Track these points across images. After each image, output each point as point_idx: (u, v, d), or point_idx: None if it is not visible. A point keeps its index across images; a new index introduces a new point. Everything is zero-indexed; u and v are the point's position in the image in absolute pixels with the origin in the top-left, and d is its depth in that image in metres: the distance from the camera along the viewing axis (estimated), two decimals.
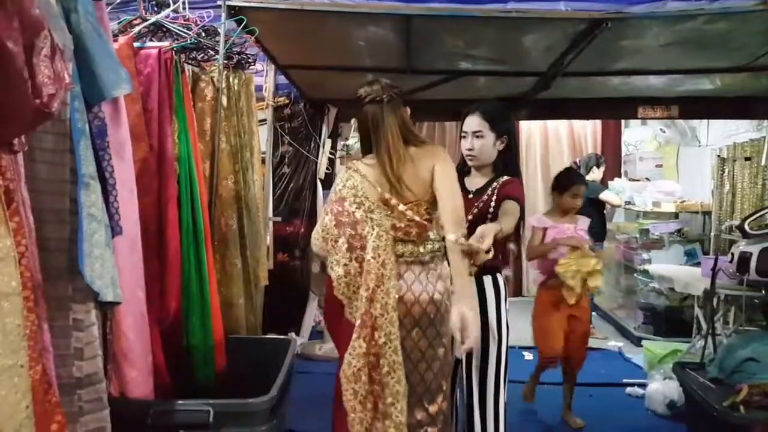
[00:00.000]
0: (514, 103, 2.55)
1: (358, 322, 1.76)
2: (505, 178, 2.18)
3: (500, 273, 2.22)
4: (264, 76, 3.90)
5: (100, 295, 1.42)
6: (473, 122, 2.17)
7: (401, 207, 1.81)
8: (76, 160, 1.40)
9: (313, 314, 4.63)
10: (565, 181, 3.19)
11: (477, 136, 2.17)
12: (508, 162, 2.22)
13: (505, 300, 2.22)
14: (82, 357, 1.45)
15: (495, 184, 2.17)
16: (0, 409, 1.07)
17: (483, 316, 2.08)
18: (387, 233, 1.79)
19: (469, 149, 2.19)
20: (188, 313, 2.19)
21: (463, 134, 2.23)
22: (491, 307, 2.17)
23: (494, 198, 2.13)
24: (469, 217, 2.10)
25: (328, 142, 4.53)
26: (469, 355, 2.17)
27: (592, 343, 4.86)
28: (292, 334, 4.23)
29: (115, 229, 1.54)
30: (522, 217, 2.15)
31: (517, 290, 6.58)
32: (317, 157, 4.47)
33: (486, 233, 1.77)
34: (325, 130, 4.48)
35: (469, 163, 2.24)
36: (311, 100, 4.33)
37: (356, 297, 1.81)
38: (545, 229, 3.14)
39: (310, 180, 4.51)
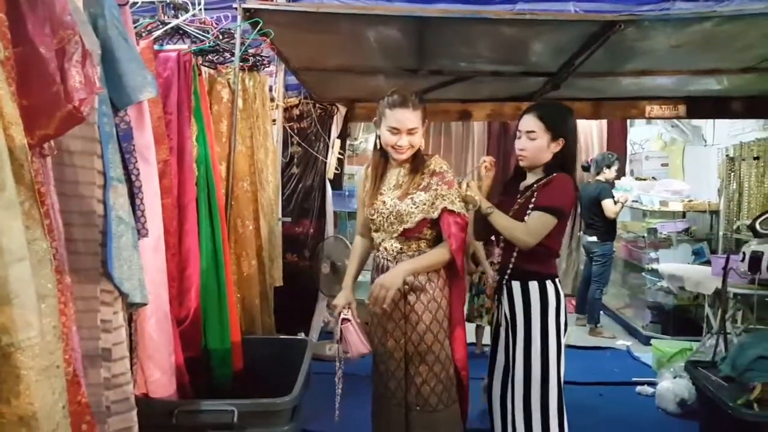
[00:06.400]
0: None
1: None
2: (554, 175, 2.08)
3: (551, 279, 2.10)
4: (273, 76, 3.92)
5: (129, 297, 1.43)
6: (528, 122, 2.10)
7: None
8: (104, 163, 1.41)
9: (322, 315, 4.64)
10: None
11: (530, 137, 2.09)
12: (562, 162, 2.10)
13: (557, 310, 2.07)
14: (110, 358, 1.47)
15: (539, 183, 2.11)
16: (38, 409, 1.08)
17: (526, 330, 2.06)
18: None
19: (521, 149, 2.13)
20: (206, 313, 2.21)
21: (518, 133, 2.16)
22: (535, 318, 2.06)
23: (533, 199, 2.08)
24: (510, 214, 2.10)
25: (338, 143, 4.53)
26: (505, 379, 2.15)
27: (601, 342, 4.92)
28: (302, 335, 4.25)
29: (141, 231, 1.56)
30: (562, 223, 2.07)
31: None
32: (326, 158, 4.48)
33: (471, 186, 2.05)
34: (334, 130, 4.49)
35: (520, 163, 2.17)
36: (321, 100, 4.34)
37: None
38: None
39: (320, 180, 4.52)
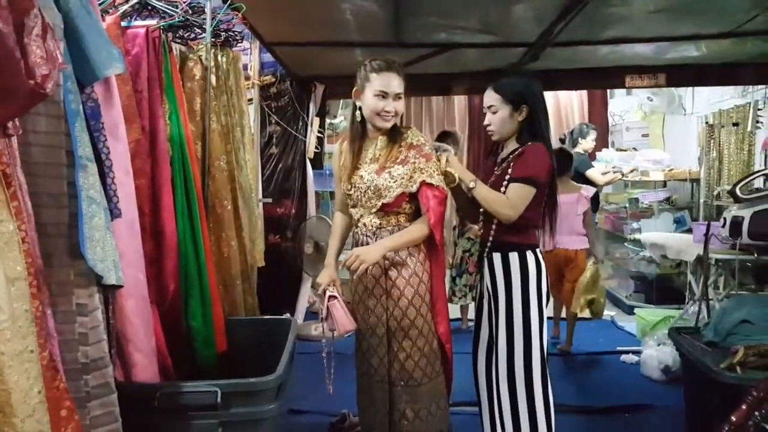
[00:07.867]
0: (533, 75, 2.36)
1: None
2: (528, 144, 2.09)
3: (531, 250, 2.11)
4: (249, 54, 3.83)
5: (104, 279, 1.39)
6: (487, 97, 2.16)
7: None
8: (72, 142, 1.36)
9: (307, 295, 4.62)
10: None
11: (492, 111, 2.14)
12: (532, 130, 2.11)
13: (537, 280, 2.08)
14: (87, 342, 1.44)
15: (514, 155, 2.12)
16: (13, 395, 1.05)
17: (508, 301, 2.07)
18: None
19: (486, 124, 2.18)
20: (187, 295, 2.17)
21: (484, 110, 2.21)
22: (516, 288, 2.07)
23: (509, 170, 2.08)
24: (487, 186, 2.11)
25: (316, 121, 4.48)
26: (489, 350, 2.17)
27: (586, 312, 4.95)
28: (288, 315, 4.22)
29: (114, 212, 1.52)
30: (540, 193, 2.07)
31: None
32: (305, 137, 4.42)
33: (451, 160, 2.04)
34: (312, 109, 4.43)
35: (492, 137, 2.21)
36: (298, 77, 4.27)
37: None
38: None
39: (300, 160, 4.45)
